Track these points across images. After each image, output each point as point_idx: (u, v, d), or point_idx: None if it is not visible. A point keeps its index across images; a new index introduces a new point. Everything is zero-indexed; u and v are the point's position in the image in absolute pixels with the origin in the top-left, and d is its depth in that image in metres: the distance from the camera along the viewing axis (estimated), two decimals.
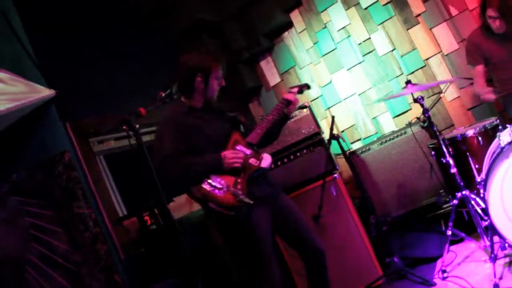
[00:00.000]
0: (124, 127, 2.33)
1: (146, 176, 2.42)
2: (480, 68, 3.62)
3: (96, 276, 3.38)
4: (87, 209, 3.38)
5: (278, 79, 5.01)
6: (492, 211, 2.69)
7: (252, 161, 2.72)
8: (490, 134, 3.18)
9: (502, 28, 3.43)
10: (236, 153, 2.70)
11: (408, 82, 3.20)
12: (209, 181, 2.59)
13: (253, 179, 2.70)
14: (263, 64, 5.06)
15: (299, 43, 4.85)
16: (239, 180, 2.66)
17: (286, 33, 4.91)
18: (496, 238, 2.83)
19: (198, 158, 2.69)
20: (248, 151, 2.75)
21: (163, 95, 2.60)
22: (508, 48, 3.50)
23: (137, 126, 2.34)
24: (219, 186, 2.58)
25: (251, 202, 2.56)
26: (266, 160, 2.75)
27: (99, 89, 3.78)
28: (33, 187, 3.51)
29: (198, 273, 2.41)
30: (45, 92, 3.33)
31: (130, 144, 2.42)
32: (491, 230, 2.78)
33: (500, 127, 3.18)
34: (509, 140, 2.67)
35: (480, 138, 3.19)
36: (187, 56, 2.84)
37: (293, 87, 3.08)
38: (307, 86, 3.18)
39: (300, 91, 3.09)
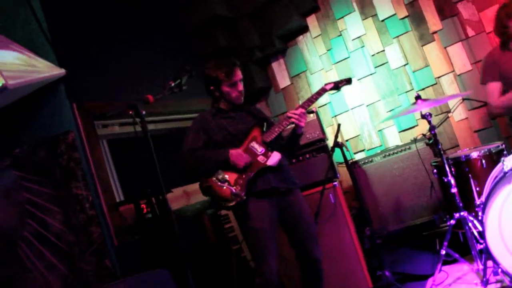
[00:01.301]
0: (130, 112, 2.34)
1: (147, 164, 2.43)
2: (497, 85, 3.48)
3: (87, 258, 3.38)
4: (85, 191, 3.39)
5: (288, 82, 5.01)
6: (488, 235, 2.69)
7: (260, 158, 2.96)
8: (494, 158, 3.17)
9: None
10: (241, 154, 2.93)
11: (418, 97, 3.19)
12: (217, 175, 2.90)
13: (258, 174, 2.92)
14: (274, 65, 5.06)
15: (312, 48, 4.85)
16: (243, 176, 2.90)
17: (300, 37, 4.91)
18: (489, 263, 2.82)
19: (210, 152, 2.99)
20: (261, 149, 2.97)
21: (173, 84, 2.61)
22: None
23: (144, 112, 2.34)
24: (223, 180, 2.88)
25: (243, 197, 2.84)
26: (273, 158, 2.95)
27: (109, 74, 3.80)
28: (34, 164, 3.52)
29: (189, 265, 2.42)
30: (56, 70, 3.35)
31: (135, 131, 2.43)
32: (486, 254, 2.77)
33: (505, 152, 3.17)
34: None
35: (483, 161, 3.18)
36: (206, 64, 3.08)
37: (329, 83, 3.21)
38: (347, 81, 3.27)
39: (336, 87, 3.21)
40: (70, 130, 3.43)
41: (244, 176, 2.90)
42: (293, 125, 3.02)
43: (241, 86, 3.06)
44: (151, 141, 2.44)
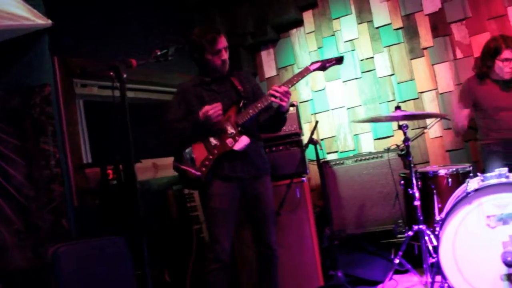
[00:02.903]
0: (111, 73, 2.30)
1: (120, 131, 2.40)
2: (466, 112, 3.69)
3: (44, 215, 3.33)
4: (53, 147, 3.33)
5: (274, 73, 5.01)
6: (442, 250, 2.75)
7: (228, 141, 2.88)
8: (460, 179, 3.25)
9: (511, 74, 3.48)
10: (215, 107, 2.82)
11: (398, 107, 3.24)
12: (185, 154, 2.90)
13: (225, 157, 2.88)
14: (264, 54, 5.05)
15: (304, 43, 4.86)
16: (210, 157, 2.87)
17: (294, 30, 4.90)
18: (438, 278, 2.89)
19: (185, 122, 2.93)
20: (231, 130, 2.89)
21: (159, 53, 2.57)
22: (506, 94, 3.54)
23: (125, 75, 2.31)
24: (190, 159, 2.88)
25: (203, 180, 2.85)
26: (240, 143, 2.87)
27: (96, 33, 3.71)
28: (6, 112, 3.43)
29: (146, 237, 2.40)
30: (42, 20, 3.26)
31: (113, 95, 2.39)
32: (436, 268, 2.84)
33: (471, 174, 3.25)
34: (476, 188, 2.73)
35: (450, 180, 3.25)
36: (191, 31, 3.00)
37: (315, 62, 3.01)
38: (337, 61, 3.01)
39: (322, 67, 2.98)
40: (47, 83, 3.35)
41: (211, 157, 2.88)
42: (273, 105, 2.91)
43: (225, 55, 2.97)
44: (127, 108, 2.40)
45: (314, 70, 2.97)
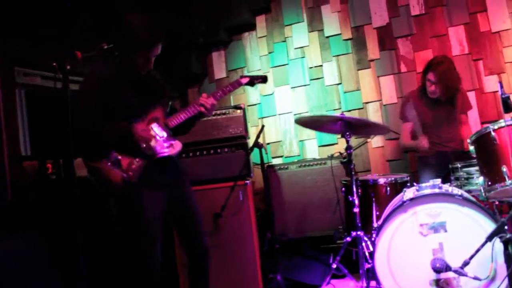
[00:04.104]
0: (54, 64, 2.22)
1: (62, 124, 2.32)
2: (409, 125, 3.87)
3: None
4: None
5: (224, 75, 5.00)
6: (377, 256, 2.84)
7: (160, 144, 2.68)
8: (398, 188, 3.36)
9: (435, 94, 3.69)
10: (148, 131, 2.65)
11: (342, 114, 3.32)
12: (110, 156, 2.58)
13: (155, 163, 2.68)
14: (214, 55, 5.04)
15: (255, 47, 4.89)
16: (137, 160, 2.64)
17: (246, 34, 4.93)
18: (373, 283, 2.98)
19: (109, 127, 2.63)
20: (162, 134, 2.70)
21: (105, 47, 2.50)
22: (435, 113, 3.77)
23: (68, 67, 2.24)
24: (116, 162, 2.58)
25: (133, 184, 2.58)
26: (175, 147, 2.73)
27: (40, 19, 3.57)
28: None
29: (80, 236, 2.32)
30: None
31: (55, 87, 2.31)
32: (371, 274, 2.93)
33: (408, 184, 3.38)
34: (411, 197, 2.84)
35: (388, 188, 3.36)
36: (133, 16, 2.67)
37: (245, 77, 3.04)
38: (263, 79, 3.10)
39: (251, 82, 3.04)
40: None
41: (137, 160, 2.63)
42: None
43: (151, 65, 2.74)
44: (70, 101, 2.32)
45: (245, 84, 3.03)
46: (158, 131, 2.69)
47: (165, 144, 2.69)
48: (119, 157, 2.59)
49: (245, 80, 3.02)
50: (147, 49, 2.64)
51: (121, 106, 2.66)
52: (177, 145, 2.74)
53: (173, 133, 2.80)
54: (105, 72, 2.73)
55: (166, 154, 2.69)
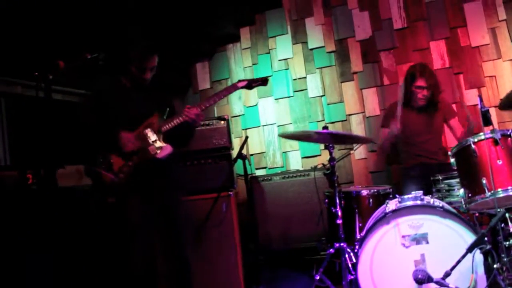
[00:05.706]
0: (35, 73, 2.20)
1: (44, 134, 2.30)
2: (386, 131, 3.87)
3: None
4: None
5: (207, 86, 5.01)
6: (360, 268, 2.85)
7: (151, 148, 2.83)
8: (380, 199, 3.38)
9: (425, 99, 3.73)
10: (130, 139, 2.81)
11: (325, 127, 3.33)
12: (103, 158, 2.80)
13: (144, 166, 2.81)
14: (198, 66, 5.04)
15: (239, 58, 4.91)
16: (129, 163, 2.80)
17: (230, 45, 4.95)
18: None
19: (101, 134, 2.86)
20: (154, 137, 2.83)
21: (89, 57, 2.50)
22: (424, 121, 3.80)
23: (51, 77, 2.22)
24: (108, 165, 2.78)
25: (123, 187, 2.75)
26: (164, 151, 2.83)
27: (23, 27, 3.53)
28: None
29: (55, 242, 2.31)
30: None
31: (37, 95, 2.29)
32: (355, 285, 2.93)
33: (390, 196, 3.40)
34: (394, 209, 2.86)
35: (371, 200, 3.38)
36: (128, 33, 3.03)
37: (242, 80, 3.10)
38: (262, 81, 3.14)
39: (249, 86, 3.08)
40: None
41: (130, 163, 2.79)
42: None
43: (149, 75, 2.92)
44: (51, 110, 2.31)
45: (241, 87, 3.08)
46: (150, 135, 2.83)
47: (155, 148, 2.82)
48: (112, 160, 2.77)
49: (242, 84, 3.08)
50: (141, 60, 2.84)
51: (116, 116, 2.85)
52: (166, 149, 2.84)
53: (174, 145, 2.92)
54: (103, 84, 2.98)
55: (156, 157, 2.81)
